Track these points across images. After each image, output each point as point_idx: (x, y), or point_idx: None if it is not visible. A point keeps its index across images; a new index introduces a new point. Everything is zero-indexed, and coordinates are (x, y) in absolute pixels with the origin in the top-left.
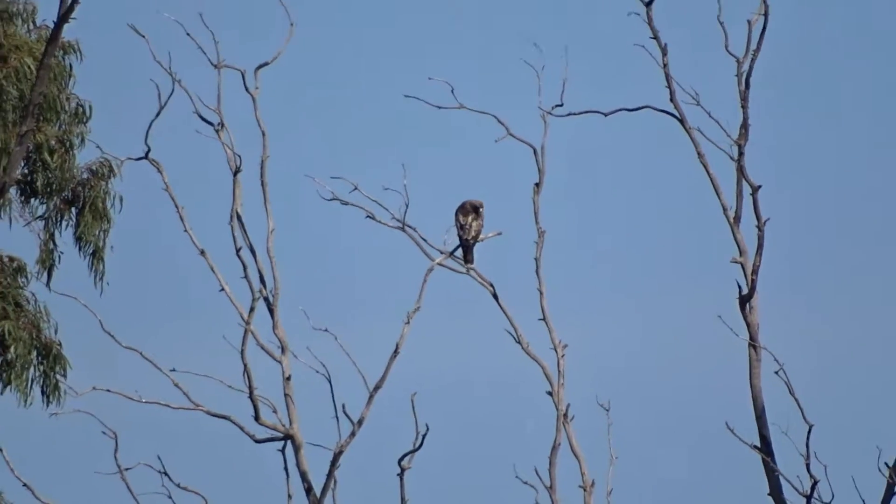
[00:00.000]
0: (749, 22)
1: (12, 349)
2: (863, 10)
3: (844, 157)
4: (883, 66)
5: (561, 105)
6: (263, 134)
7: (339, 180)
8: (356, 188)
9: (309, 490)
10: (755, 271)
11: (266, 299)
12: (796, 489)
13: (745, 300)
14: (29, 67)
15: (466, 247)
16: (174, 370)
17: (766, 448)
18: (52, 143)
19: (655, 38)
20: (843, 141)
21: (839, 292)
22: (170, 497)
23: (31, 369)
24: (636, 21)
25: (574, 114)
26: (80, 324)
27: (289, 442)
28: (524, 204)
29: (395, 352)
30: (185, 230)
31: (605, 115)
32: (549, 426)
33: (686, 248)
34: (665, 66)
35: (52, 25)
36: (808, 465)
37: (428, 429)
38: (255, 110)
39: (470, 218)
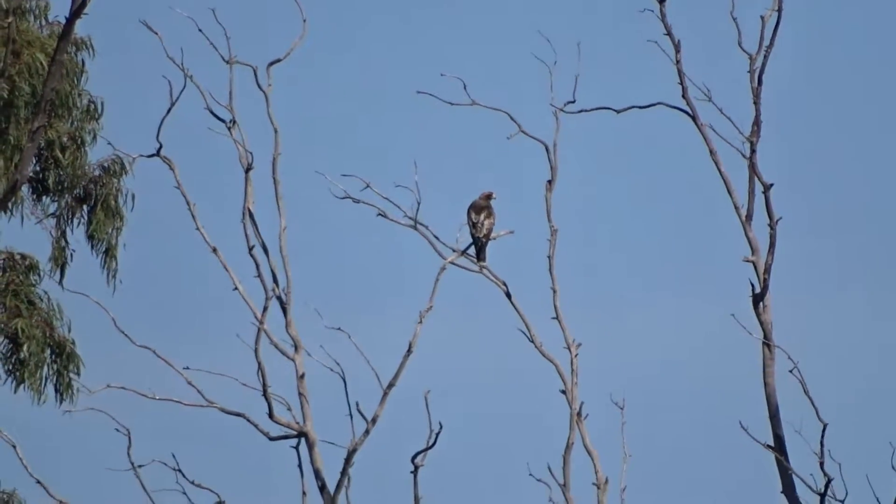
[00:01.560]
0: (762, 18)
1: (25, 347)
2: (877, 5)
3: (858, 155)
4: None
5: (573, 102)
6: (276, 131)
7: (350, 178)
8: (368, 186)
9: (323, 488)
10: (767, 270)
11: (279, 298)
12: (810, 488)
13: (758, 299)
14: (41, 63)
15: (479, 245)
16: (188, 368)
17: (779, 447)
18: (64, 139)
19: (669, 34)
20: (857, 138)
21: (852, 290)
22: (184, 494)
23: (45, 367)
24: (649, 17)
25: (586, 110)
26: (93, 322)
27: (303, 440)
28: (537, 201)
29: (409, 350)
30: (197, 228)
31: (618, 111)
32: (564, 424)
33: (698, 246)
34: (678, 62)
35: (64, 21)
36: (821, 464)
37: (441, 427)
38: (268, 107)
39: (482, 216)
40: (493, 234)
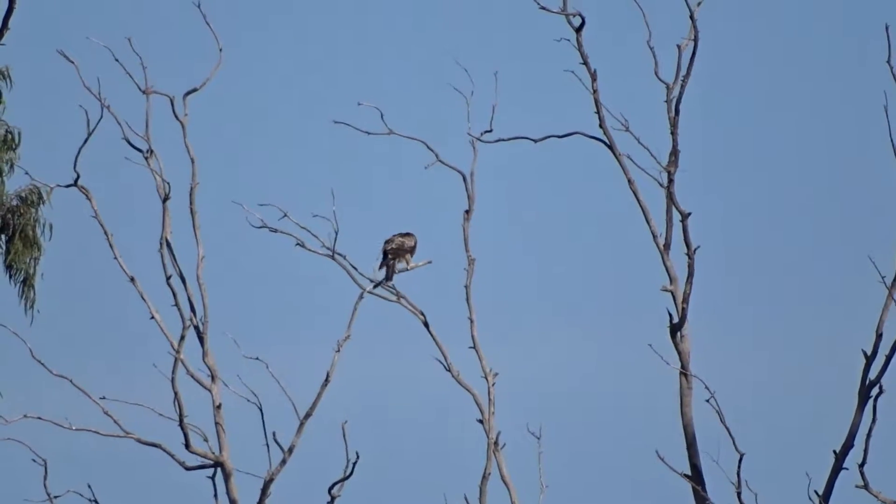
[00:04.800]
0: (679, 47)
1: None
2: (793, 35)
3: (775, 184)
4: (814, 92)
5: (490, 131)
6: (192, 161)
7: (268, 207)
8: (286, 215)
9: None
10: (686, 299)
11: (196, 327)
12: None
13: (675, 328)
14: None
15: (386, 260)
16: (104, 398)
17: (696, 476)
18: None
19: (585, 63)
20: (774, 167)
21: (770, 320)
22: None
23: None
24: (566, 46)
25: (504, 140)
26: (10, 352)
27: (219, 469)
28: (454, 231)
29: (326, 380)
30: (115, 257)
31: (536, 141)
32: (481, 454)
33: (616, 275)
34: (595, 91)
35: None
36: (738, 494)
37: (358, 457)
38: (184, 137)
39: (396, 236)
40: (410, 264)
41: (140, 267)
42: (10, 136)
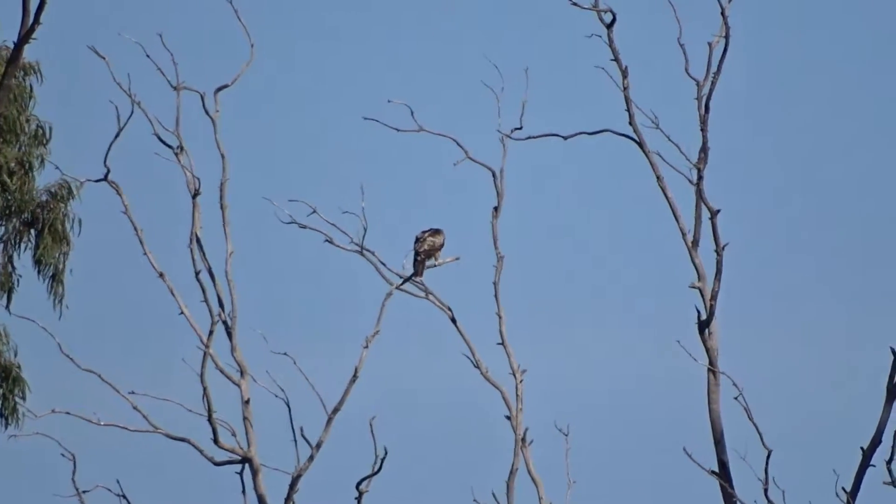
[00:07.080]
0: (710, 45)
1: None
2: (823, 32)
3: (804, 182)
4: (843, 89)
5: (520, 128)
6: (223, 157)
7: (297, 203)
8: (314, 211)
9: None
10: (714, 296)
11: (225, 323)
12: None
13: (703, 325)
14: None
15: (417, 259)
16: (133, 393)
17: (724, 473)
18: (12, 164)
19: (616, 60)
20: (803, 165)
21: (798, 318)
22: None
23: None
24: (597, 43)
25: (533, 137)
26: (39, 346)
27: (247, 465)
28: (483, 228)
29: (354, 376)
30: (145, 253)
31: (565, 138)
32: (508, 450)
33: (645, 272)
34: (625, 88)
35: (12, 46)
36: (766, 491)
37: (386, 452)
38: (215, 132)
39: (427, 234)
40: (438, 260)
41: (169, 263)
42: (40, 131)
